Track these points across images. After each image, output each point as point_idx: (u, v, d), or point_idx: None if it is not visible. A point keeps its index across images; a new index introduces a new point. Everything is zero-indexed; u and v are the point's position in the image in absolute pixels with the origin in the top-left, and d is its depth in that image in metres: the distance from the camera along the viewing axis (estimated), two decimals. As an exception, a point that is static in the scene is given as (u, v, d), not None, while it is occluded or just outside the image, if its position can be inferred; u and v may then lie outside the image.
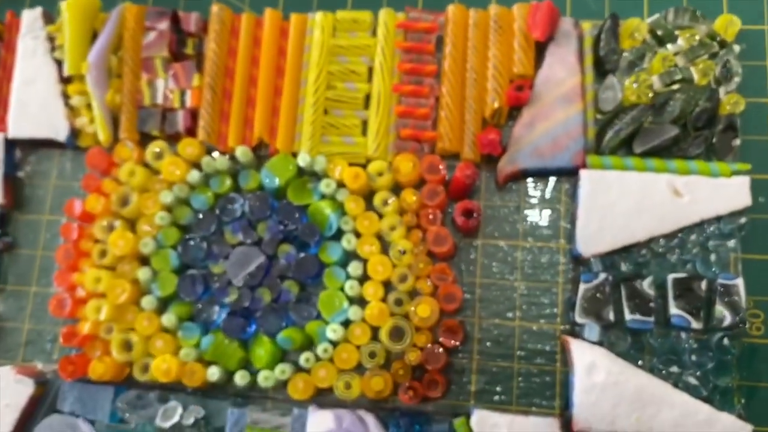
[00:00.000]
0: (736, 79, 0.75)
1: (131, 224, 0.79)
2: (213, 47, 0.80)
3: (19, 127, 0.82)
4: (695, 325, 0.69)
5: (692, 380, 0.69)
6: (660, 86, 0.75)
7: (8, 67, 0.84)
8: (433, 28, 0.79)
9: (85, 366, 0.74)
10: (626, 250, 0.72)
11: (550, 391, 0.72)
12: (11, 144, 0.84)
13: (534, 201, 0.77)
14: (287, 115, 0.79)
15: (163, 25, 0.81)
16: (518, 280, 0.75)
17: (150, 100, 0.81)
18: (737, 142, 0.74)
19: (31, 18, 0.84)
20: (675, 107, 0.73)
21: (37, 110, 0.82)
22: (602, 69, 0.77)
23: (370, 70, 0.80)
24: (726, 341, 0.69)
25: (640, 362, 0.71)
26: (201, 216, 0.77)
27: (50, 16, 0.86)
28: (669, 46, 0.76)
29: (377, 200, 0.75)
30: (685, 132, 0.74)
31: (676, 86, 0.75)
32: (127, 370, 0.76)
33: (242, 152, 0.77)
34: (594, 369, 0.68)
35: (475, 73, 0.77)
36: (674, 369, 0.70)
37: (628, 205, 0.72)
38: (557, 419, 0.70)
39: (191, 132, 0.80)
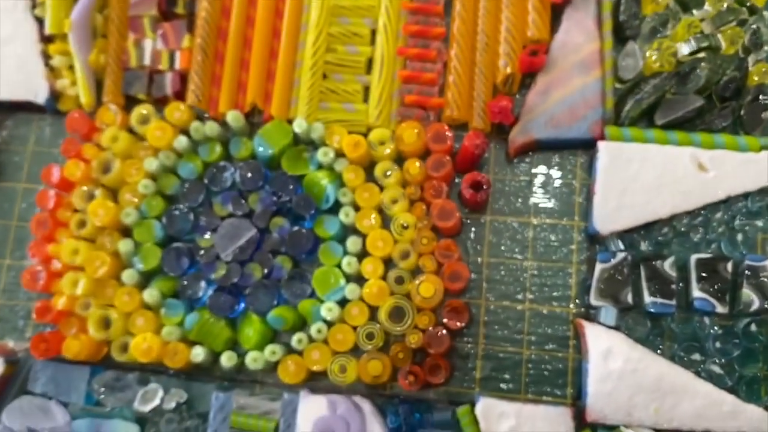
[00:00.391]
0: (766, 48, 0.72)
1: (113, 193, 0.76)
2: (205, 6, 0.77)
3: (-5, 88, 0.79)
4: (720, 309, 0.66)
5: (716, 369, 0.67)
6: (684, 54, 0.71)
7: (-15, 24, 0.80)
8: (442, -11, 0.75)
9: (59, 344, 0.71)
10: (646, 228, 0.70)
11: (562, 379, 0.69)
12: (-14, 106, 0.80)
13: (547, 175, 0.73)
14: (283, 80, 0.75)
15: (153, -19, 0.78)
16: (529, 259, 0.71)
17: (137, 61, 0.78)
18: (767, 114, 0.70)
19: (10, -28, 0.81)
20: (700, 76, 0.70)
21: (14, 71, 0.79)
22: (622, 35, 0.74)
23: (373, 33, 0.77)
24: (753, 327, 0.67)
25: (659, 349, 0.68)
26: (188, 185, 0.75)
27: (31, -29, 0.82)
28: (695, 11, 0.74)
29: (378, 171, 0.72)
30: (711, 103, 0.71)
31: (701, 54, 0.71)
32: (104, 350, 0.73)
33: (234, 118, 0.74)
34: (610, 355, 0.65)
35: (486, 37, 0.74)
36: (696, 356, 0.67)
37: (649, 179, 0.69)
38: (569, 409, 0.67)
39: (180, 96, 0.77)
